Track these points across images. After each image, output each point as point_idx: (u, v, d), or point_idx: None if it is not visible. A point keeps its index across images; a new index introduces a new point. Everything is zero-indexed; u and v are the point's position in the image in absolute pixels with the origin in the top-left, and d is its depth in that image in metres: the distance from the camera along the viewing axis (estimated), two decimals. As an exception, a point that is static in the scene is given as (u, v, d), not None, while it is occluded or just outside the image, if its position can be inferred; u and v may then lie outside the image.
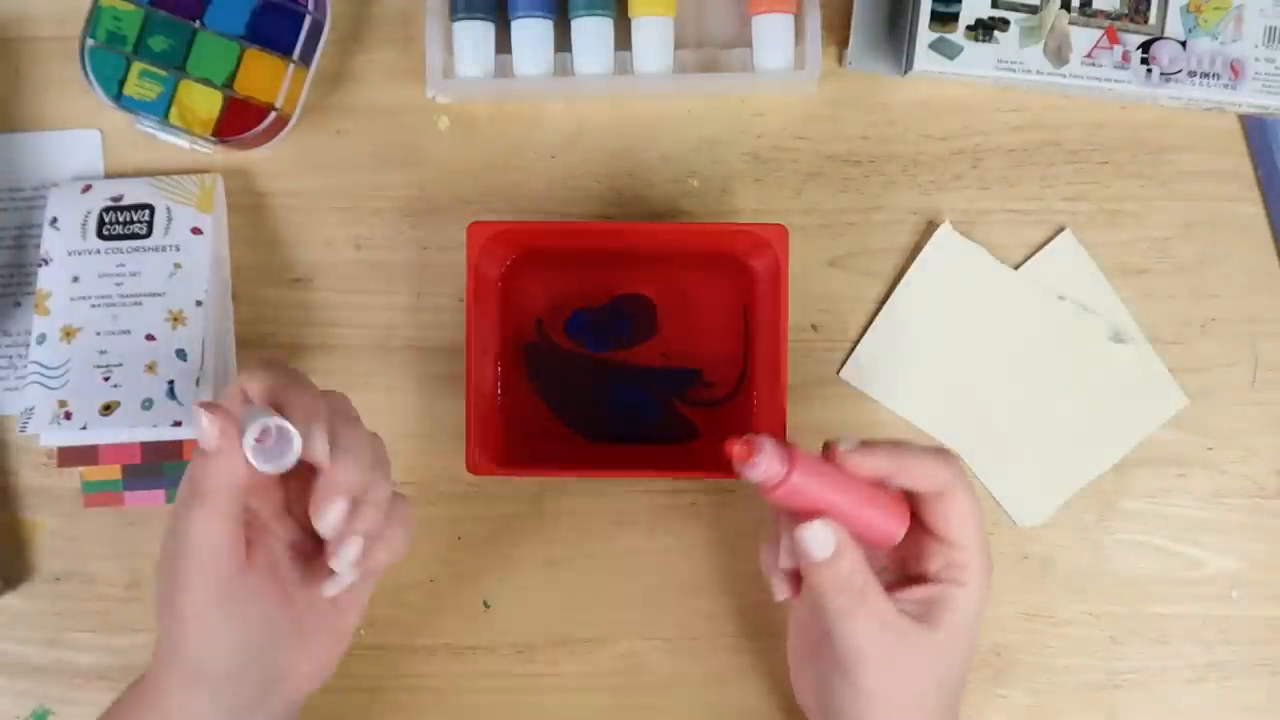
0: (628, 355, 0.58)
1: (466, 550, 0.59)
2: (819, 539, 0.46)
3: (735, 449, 0.44)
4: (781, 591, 0.50)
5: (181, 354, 0.56)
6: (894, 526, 0.48)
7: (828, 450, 0.47)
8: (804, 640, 0.53)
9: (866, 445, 0.47)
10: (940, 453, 0.49)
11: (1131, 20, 0.56)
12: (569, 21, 0.57)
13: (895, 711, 0.49)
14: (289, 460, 0.43)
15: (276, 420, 0.42)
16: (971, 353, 0.59)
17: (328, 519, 0.44)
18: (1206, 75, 0.56)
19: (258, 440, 0.42)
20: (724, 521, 0.59)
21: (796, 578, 0.50)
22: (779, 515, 0.49)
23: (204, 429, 0.43)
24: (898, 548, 0.49)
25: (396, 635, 0.59)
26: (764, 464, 0.44)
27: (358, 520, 0.45)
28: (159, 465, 0.59)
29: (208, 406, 0.43)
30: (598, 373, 0.58)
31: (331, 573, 0.46)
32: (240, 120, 0.57)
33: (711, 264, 0.58)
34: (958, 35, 0.56)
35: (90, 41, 0.57)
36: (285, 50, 0.57)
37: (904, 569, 0.51)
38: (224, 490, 0.44)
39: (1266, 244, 0.60)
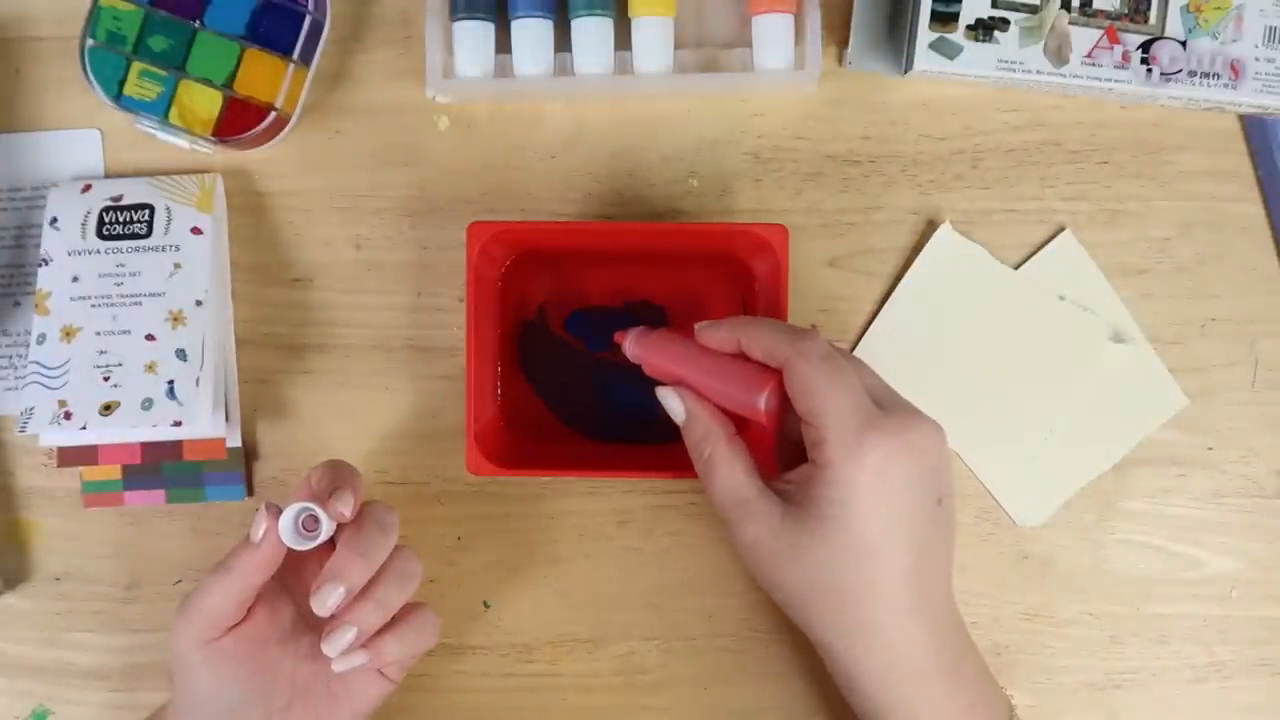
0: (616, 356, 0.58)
1: (466, 550, 0.59)
2: (666, 400, 0.52)
3: (616, 336, 0.55)
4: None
5: (181, 354, 0.56)
6: (748, 398, 0.50)
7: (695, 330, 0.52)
8: None
9: (712, 322, 0.52)
10: (787, 327, 0.50)
11: (1131, 20, 0.56)
12: (569, 21, 0.57)
13: (795, 600, 0.50)
14: (314, 543, 0.49)
15: (311, 507, 0.49)
16: (971, 353, 0.59)
17: (321, 602, 0.48)
18: (1206, 75, 0.56)
19: (298, 522, 0.50)
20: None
21: None
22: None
23: (255, 525, 0.49)
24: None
25: (396, 635, 0.59)
26: (627, 347, 0.54)
27: (354, 612, 0.49)
28: (159, 465, 0.59)
29: (268, 508, 0.50)
30: (587, 369, 0.58)
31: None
32: (240, 120, 0.57)
33: (711, 264, 0.58)
34: (958, 35, 0.56)
35: (90, 41, 0.57)
36: (285, 50, 0.57)
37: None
38: (246, 572, 0.50)
39: (1266, 244, 0.60)
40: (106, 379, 0.56)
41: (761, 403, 0.49)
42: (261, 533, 0.49)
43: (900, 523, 0.48)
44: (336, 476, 0.51)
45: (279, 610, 0.52)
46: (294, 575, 0.53)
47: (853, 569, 0.48)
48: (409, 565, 0.52)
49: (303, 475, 0.52)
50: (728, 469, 0.50)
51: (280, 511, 0.49)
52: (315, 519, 0.49)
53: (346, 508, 0.49)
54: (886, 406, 0.49)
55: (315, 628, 0.51)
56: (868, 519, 0.47)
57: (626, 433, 0.58)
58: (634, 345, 0.54)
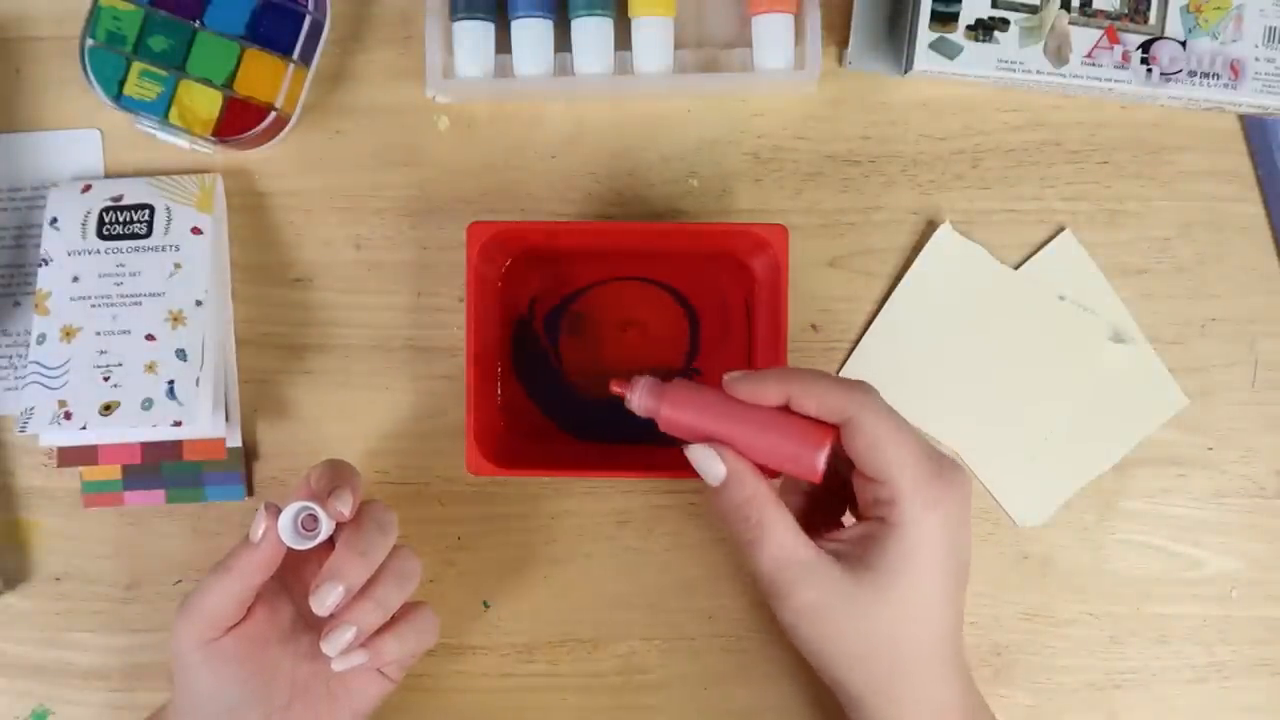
0: (618, 356, 0.58)
1: (466, 550, 0.59)
2: (704, 462, 0.47)
3: (615, 388, 0.49)
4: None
5: (181, 354, 0.56)
6: (805, 455, 0.47)
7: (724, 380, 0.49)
8: None
9: (752, 374, 0.48)
10: (840, 379, 0.48)
11: (1131, 20, 0.56)
12: (569, 21, 0.57)
13: (827, 659, 0.48)
14: (313, 542, 0.49)
15: (311, 507, 0.49)
16: (971, 353, 0.59)
17: (320, 601, 0.48)
18: (1206, 75, 0.56)
19: (297, 522, 0.49)
20: (724, 521, 0.59)
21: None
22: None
23: (255, 525, 0.49)
24: (843, 482, 0.49)
25: (396, 635, 0.59)
26: (635, 400, 0.49)
27: (353, 612, 0.49)
28: (159, 465, 0.59)
29: (268, 508, 0.49)
30: (556, 375, 0.59)
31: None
32: (240, 120, 0.57)
33: (711, 264, 0.58)
34: (958, 35, 0.56)
35: (90, 41, 0.57)
36: (285, 50, 0.57)
37: (859, 507, 0.50)
38: (246, 572, 0.50)
39: (1266, 244, 0.60)
40: (106, 379, 0.56)
41: (821, 460, 0.47)
42: (261, 532, 0.49)
43: (954, 576, 0.48)
44: (336, 476, 0.51)
45: (278, 610, 0.52)
46: (293, 575, 0.53)
47: (915, 624, 0.47)
48: (408, 564, 0.52)
49: (302, 475, 0.52)
50: (780, 532, 0.47)
51: (280, 511, 0.49)
52: (314, 518, 0.49)
53: (346, 507, 0.49)
54: (934, 455, 0.48)
55: (315, 627, 0.51)
56: (934, 574, 0.47)
57: (606, 432, 0.58)
58: (646, 398, 0.49)
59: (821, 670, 0.50)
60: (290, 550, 0.49)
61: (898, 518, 0.47)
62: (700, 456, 0.48)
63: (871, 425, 0.46)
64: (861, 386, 0.48)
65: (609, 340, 0.59)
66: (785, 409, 0.48)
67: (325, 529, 0.49)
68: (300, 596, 0.53)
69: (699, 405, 0.48)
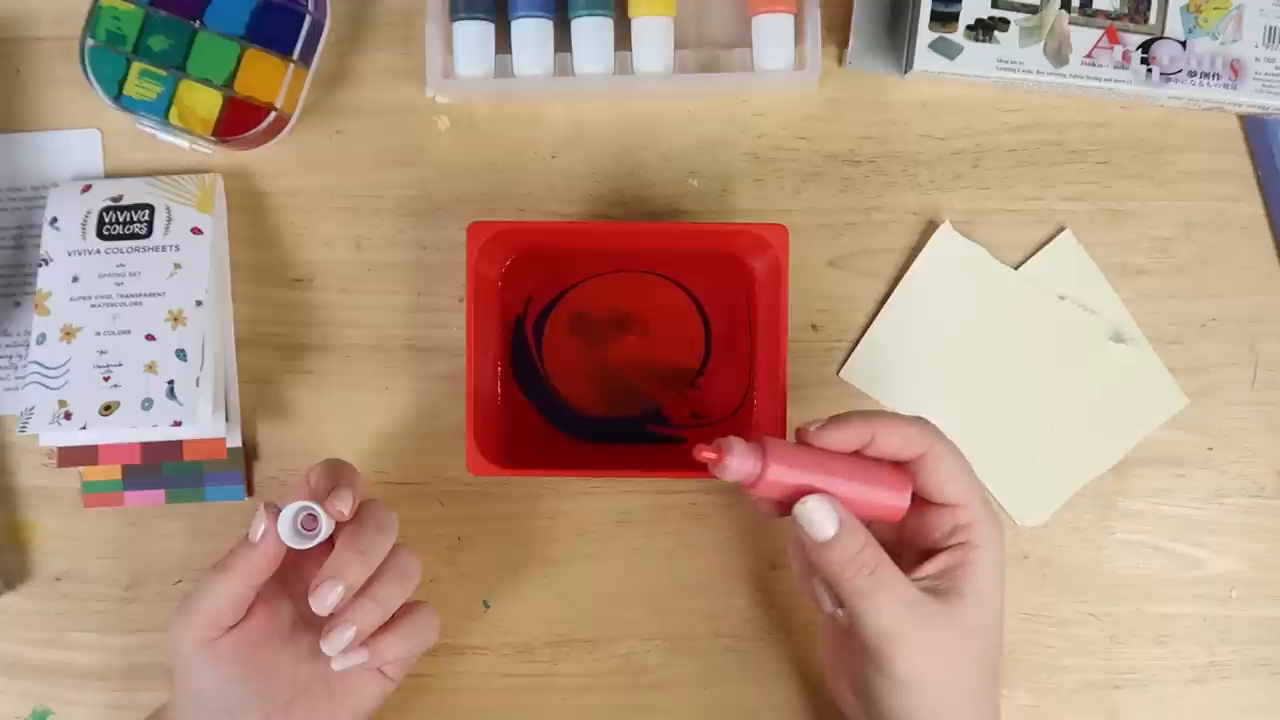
0: (618, 356, 0.58)
1: (466, 550, 0.59)
2: (817, 516, 0.45)
3: (704, 455, 0.45)
4: (829, 602, 0.48)
5: (181, 354, 0.56)
6: (895, 495, 0.47)
7: (800, 435, 0.47)
8: (835, 642, 0.52)
9: (835, 420, 0.47)
10: (913, 417, 0.48)
11: (1131, 20, 0.56)
12: (569, 21, 0.57)
13: (939, 698, 0.47)
14: (312, 542, 0.49)
15: (310, 506, 0.49)
16: (971, 353, 0.59)
17: (320, 600, 0.48)
18: (1206, 75, 0.56)
19: (297, 521, 0.50)
20: (724, 521, 0.59)
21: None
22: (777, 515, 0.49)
23: (254, 525, 0.49)
24: (903, 526, 0.49)
25: (396, 635, 0.59)
26: (735, 464, 0.45)
27: (353, 611, 0.49)
28: (159, 465, 0.59)
29: (267, 508, 0.49)
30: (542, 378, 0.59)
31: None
32: (240, 120, 0.57)
33: (711, 264, 0.58)
34: (958, 35, 0.56)
35: (90, 41, 0.57)
36: (285, 50, 0.57)
37: (915, 547, 0.49)
38: (245, 572, 0.50)
39: (1266, 244, 0.60)
40: (106, 379, 0.56)
41: (907, 500, 0.47)
42: (260, 532, 0.49)
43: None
44: (335, 475, 0.51)
45: (278, 610, 0.52)
46: (293, 575, 0.53)
47: (991, 647, 0.48)
48: (408, 564, 0.52)
49: (301, 474, 0.52)
50: (895, 576, 0.46)
51: (279, 511, 0.49)
52: (314, 518, 0.49)
53: (345, 506, 0.49)
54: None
55: (315, 627, 0.51)
56: (1000, 595, 0.48)
57: (594, 431, 0.58)
58: (747, 461, 0.45)
59: (877, 704, 0.48)
60: (290, 550, 0.49)
61: (981, 539, 0.48)
62: (817, 512, 0.45)
63: (947, 455, 0.48)
64: (926, 420, 0.48)
65: (612, 341, 0.59)
66: (858, 452, 0.48)
67: (325, 529, 0.49)
68: (300, 596, 0.53)
69: (793, 460, 0.46)
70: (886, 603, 0.46)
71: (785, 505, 0.47)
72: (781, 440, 0.46)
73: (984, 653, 0.48)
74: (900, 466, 0.48)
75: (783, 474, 0.45)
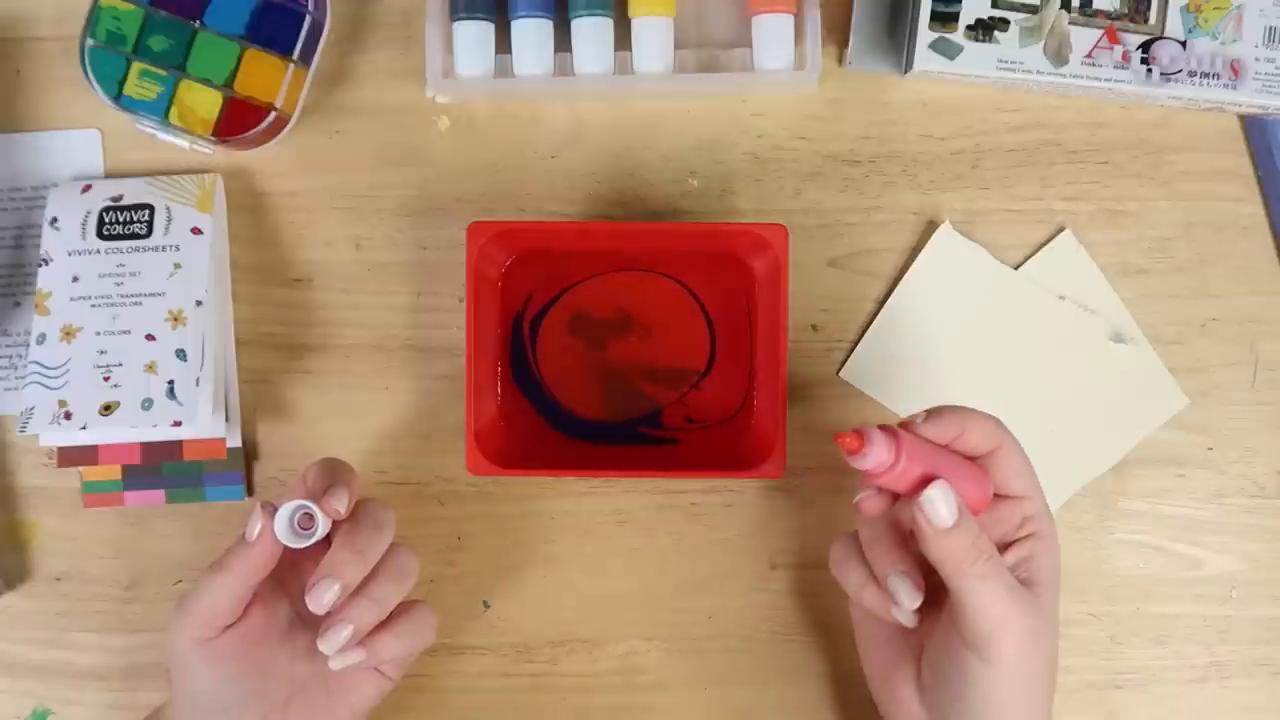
0: (618, 357, 0.58)
1: (466, 550, 0.59)
2: (941, 504, 0.46)
3: (847, 441, 0.45)
4: (908, 597, 0.48)
5: (181, 354, 0.56)
6: (984, 488, 0.48)
7: (906, 426, 0.48)
8: (889, 642, 0.52)
9: (933, 414, 0.48)
10: (987, 413, 0.49)
11: (1131, 20, 0.56)
12: (569, 21, 0.57)
13: (1029, 681, 0.48)
14: (309, 540, 0.49)
15: (307, 505, 0.49)
16: (971, 353, 0.59)
17: (317, 599, 0.48)
18: (1206, 75, 0.56)
19: (293, 520, 0.50)
20: (723, 521, 0.59)
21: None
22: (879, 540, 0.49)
23: (251, 524, 0.50)
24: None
25: (396, 635, 0.59)
26: (874, 453, 0.45)
27: (350, 610, 0.49)
28: (159, 465, 0.59)
29: (264, 507, 0.50)
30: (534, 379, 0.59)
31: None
32: (240, 120, 0.57)
33: (711, 264, 0.58)
34: (958, 35, 0.56)
35: (90, 41, 0.57)
36: (285, 50, 0.57)
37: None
38: (241, 571, 0.50)
39: (1266, 244, 0.60)
40: (106, 379, 0.56)
41: (991, 492, 0.49)
42: (257, 531, 0.49)
43: None
44: (332, 474, 0.51)
45: (275, 609, 0.52)
46: (290, 574, 0.53)
47: (1056, 635, 0.49)
48: (405, 563, 0.52)
49: (299, 474, 0.52)
50: (1002, 567, 0.47)
51: (275, 510, 0.49)
52: (310, 517, 0.49)
53: (342, 505, 0.50)
54: None
55: (312, 626, 0.51)
56: (1059, 584, 0.50)
57: (589, 432, 0.58)
58: (884, 451, 0.46)
59: (949, 693, 0.49)
60: (287, 549, 0.49)
61: (1046, 530, 0.49)
62: (941, 500, 0.45)
63: (1017, 450, 0.49)
64: (996, 417, 0.49)
65: (613, 341, 0.59)
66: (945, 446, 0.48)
67: (322, 527, 0.49)
68: (297, 595, 0.53)
69: (915, 452, 0.46)
70: (998, 589, 0.46)
71: (892, 495, 0.48)
72: (900, 431, 0.47)
73: (1054, 639, 0.49)
74: (977, 461, 0.49)
75: (911, 467, 0.46)
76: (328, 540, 0.50)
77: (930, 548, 0.46)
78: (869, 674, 0.53)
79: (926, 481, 0.46)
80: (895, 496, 0.48)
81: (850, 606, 0.55)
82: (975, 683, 0.47)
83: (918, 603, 0.48)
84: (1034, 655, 0.47)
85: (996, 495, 0.49)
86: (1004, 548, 0.49)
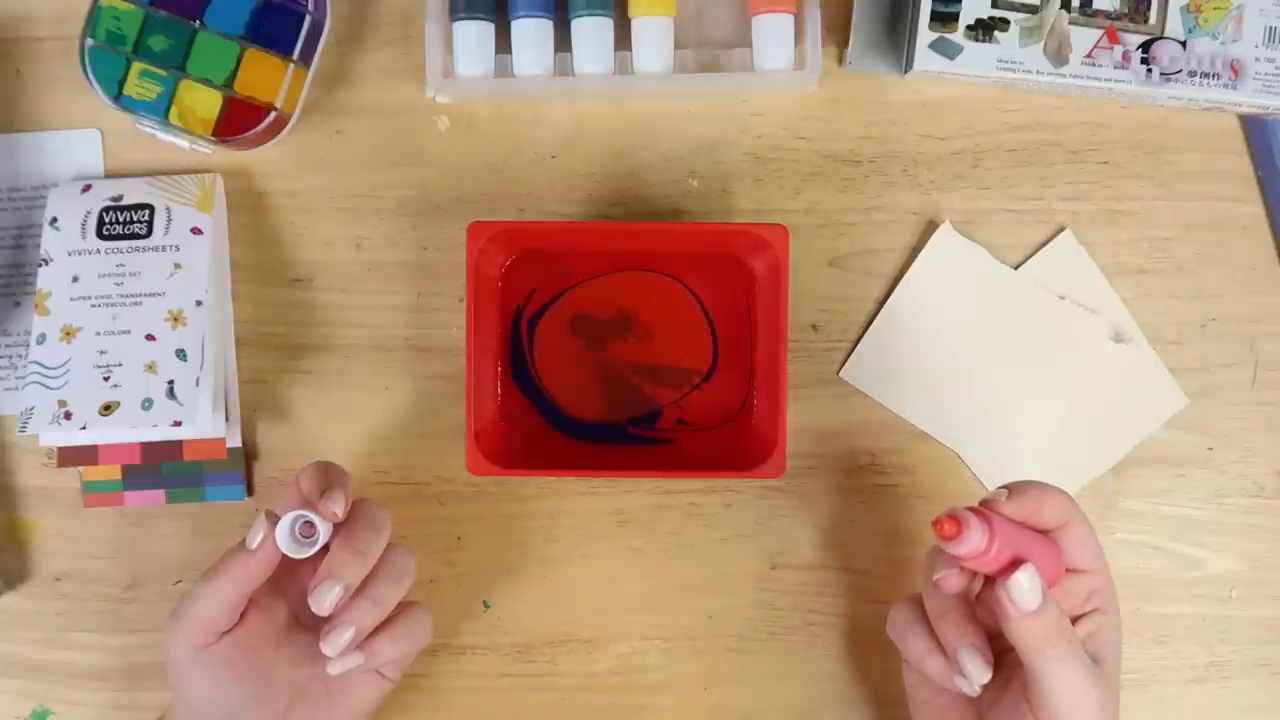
0: (619, 357, 0.58)
1: (466, 550, 0.59)
2: (1029, 587, 0.45)
3: (945, 528, 0.45)
4: (979, 670, 0.48)
5: (181, 354, 0.56)
6: (1061, 562, 0.48)
7: (989, 505, 0.47)
8: (953, 713, 0.52)
9: (1015, 493, 0.47)
10: (1057, 488, 0.49)
11: (1131, 20, 0.56)
12: (569, 21, 0.57)
13: None
14: (311, 549, 0.50)
15: (308, 515, 0.49)
16: (971, 353, 0.59)
17: (319, 600, 0.49)
18: (1206, 75, 0.56)
19: (295, 529, 0.50)
20: (723, 521, 0.59)
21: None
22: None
23: (252, 531, 0.49)
24: None
25: (396, 635, 0.59)
26: (971, 540, 0.45)
27: (352, 611, 0.49)
28: (159, 465, 0.59)
29: (268, 516, 0.49)
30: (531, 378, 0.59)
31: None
32: (240, 120, 0.57)
33: (711, 264, 0.58)
34: (958, 35, 0.56)
35: (90, 41, 0.57)
36: (285, 50, 0.57)
37: None
38: (239, 578, 0.50)
39: (1266, 244, 0.60)
40: (106, 379, 0.56)
41: (1064, 565, 0.48)
42: (259, 539, 0.49)
43: None
44: (326, 477, 0.51)
45: (272, 613, 0.52)
46: (287, 578, 0.53)
47: (1118, 706, 0.50)
48: (402, 562, 0.52)
49: (291, 479, 0.52)
50: (1079, 646, 0.47)
51: (278, 519, 0.49)
52: (311, 525, 0.49)
53: (339, 507, 0.50)
54: None
55: (310, 629, 0.51)
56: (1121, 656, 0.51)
57: (587, 432, 0.58)
58: (981, 536, 0.45)
59: None
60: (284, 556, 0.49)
61: (1111, 605, 0.50)
62: (1029, 583, 0.45)
63: (1084, 523, 0.49)
64: (1066, 491, 0.49)
65: (613, 342, 0.59)
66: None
67: (323, 536, 0.49)
68: (295, 599, 0.53)
69: (1004, 534, 0.45)
70: (1077, 670, 0.46)
71: (971, 573, 0.47)
72: (993, 514, 0.46)
73: (1117, 709, 0.49)
74: (1049, 535, 0.49)
75: (1003, 549, 0.46)
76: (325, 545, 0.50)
77: (1014, 630, 0.46)
78: None
79: (1013, 562, 0.45)
80: (973, 574, 0.48)
81: (904, 670, 0.54)
82: None
83: (988, 677, 0.48)
84: None
85: (1066, 569, 0.49)
86: (1072, 621, 0.48)
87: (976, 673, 0.48)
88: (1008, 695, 0.49)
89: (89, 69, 0.57)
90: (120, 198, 0.59)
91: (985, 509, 0.46)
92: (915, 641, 0.50)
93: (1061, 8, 0.56)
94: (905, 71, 0.58)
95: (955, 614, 0.49)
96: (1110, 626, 0.49)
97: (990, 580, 0.46)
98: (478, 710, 0.59)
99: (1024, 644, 0.46)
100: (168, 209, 0.58)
